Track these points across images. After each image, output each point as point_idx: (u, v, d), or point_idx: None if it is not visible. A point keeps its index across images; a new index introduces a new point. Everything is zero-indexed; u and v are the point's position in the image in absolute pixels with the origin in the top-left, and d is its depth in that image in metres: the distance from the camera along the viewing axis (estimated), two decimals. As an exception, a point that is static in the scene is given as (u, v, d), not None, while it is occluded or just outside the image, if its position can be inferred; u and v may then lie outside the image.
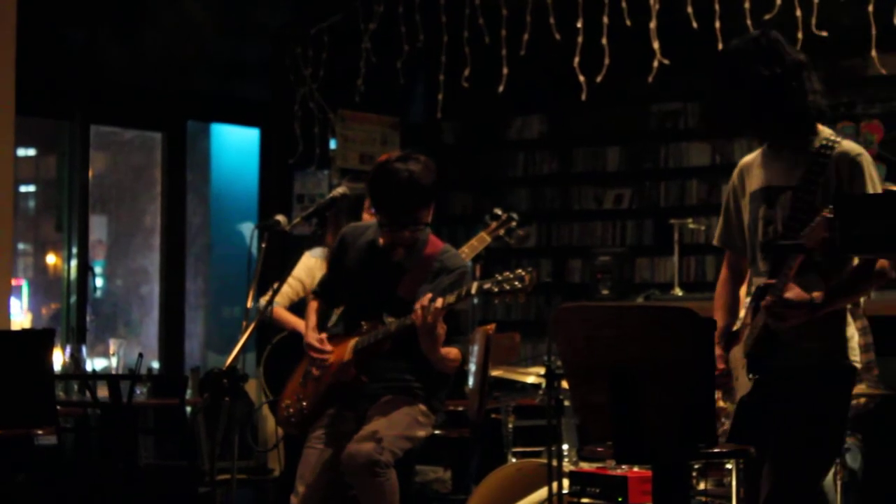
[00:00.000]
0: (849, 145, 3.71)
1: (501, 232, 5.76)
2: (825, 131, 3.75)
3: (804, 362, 3.67)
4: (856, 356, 3.73)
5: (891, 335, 5.72)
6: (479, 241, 5.71)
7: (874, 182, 3.64)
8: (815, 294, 3.59)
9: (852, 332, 3.72)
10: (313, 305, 4.84)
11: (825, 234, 3.47)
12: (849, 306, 3.75)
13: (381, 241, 4.67)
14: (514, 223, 5.77)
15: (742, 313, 3.84)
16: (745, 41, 3.75)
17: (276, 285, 4.83)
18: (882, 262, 3.64)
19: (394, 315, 4.54)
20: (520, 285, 4.31)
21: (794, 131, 3.73)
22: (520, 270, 4.35)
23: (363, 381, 4.60)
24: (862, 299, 6.02)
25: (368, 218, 5.45)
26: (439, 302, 4.36)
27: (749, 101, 3.70)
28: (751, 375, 3.65)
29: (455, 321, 4.52)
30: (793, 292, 3.58)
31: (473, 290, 4.37)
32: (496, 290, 4.34)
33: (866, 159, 3.69)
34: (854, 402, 5.35)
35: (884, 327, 5.69)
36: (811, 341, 3.67)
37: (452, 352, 4.53)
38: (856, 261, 3.66)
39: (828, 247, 3.49)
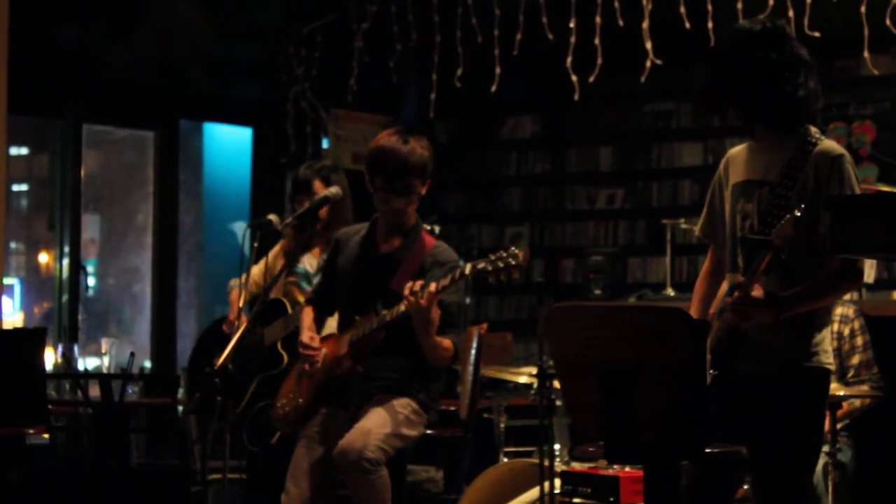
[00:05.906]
0: (829, 144, 3.68)
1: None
2: (810, 129, 3.70)
3: (772, 366, 3.62)
4: (828, 358, 3.66)
5: (890, 336, 5.72)
6: None
7: (851, 182, 3.60)
8: (784, 294, 3.56)
9: (823, 335, 3.66)
10: (308, 310, 4.83)
11: (791, 233, 3.46)
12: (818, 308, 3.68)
13: (376, 232, 4.68)
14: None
15: (713, 308, 3.81)
16: (752, 23, 3.78)
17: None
18: (860, 264, 3.60)
19: (387, 308, 4.53)
20: (514, 262, 4.26)
21: (777, 121, 3.71)
22: (513, 248, 4.30)
23: (359, 371, 4.58)
24: (852, 296, 6.03)
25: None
26: (433, 286, 4.34)
27: (742, 80, 3.70)
28: (711, 371, 3.60)
29: (447, 314, 4.51)
30: (760, 290, 3.54)
31: (468, 271, 4.32)
32: (490, 268, 4.29)
33: (846, 159, 3.65)
34: (858, 402, 5.36)
35: (883, 328, 5.69)
36: (778, 343, 3.62)
37: (446, 341, 4.52)
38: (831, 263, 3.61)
39: (793, 246, 3.48)
